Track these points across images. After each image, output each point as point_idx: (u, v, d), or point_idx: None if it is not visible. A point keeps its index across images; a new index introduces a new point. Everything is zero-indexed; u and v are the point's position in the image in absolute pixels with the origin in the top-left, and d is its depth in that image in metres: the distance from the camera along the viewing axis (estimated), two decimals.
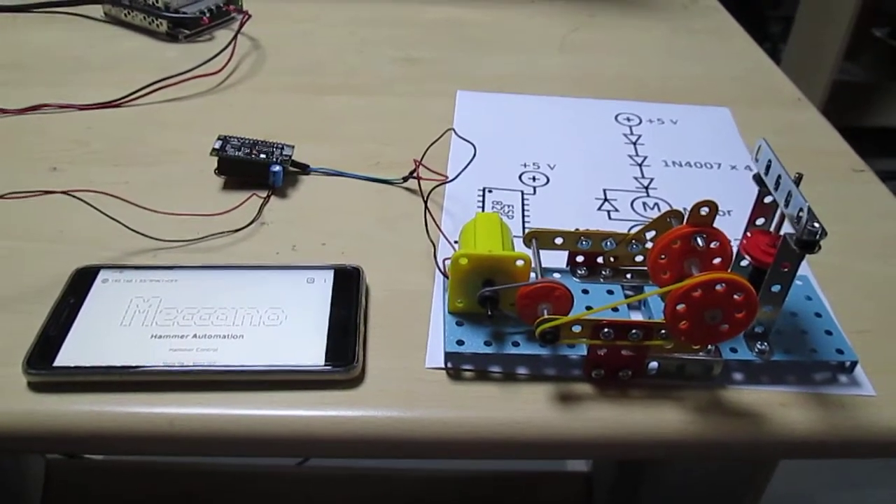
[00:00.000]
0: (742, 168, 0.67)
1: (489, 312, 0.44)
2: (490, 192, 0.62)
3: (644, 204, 0.62)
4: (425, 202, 0.52)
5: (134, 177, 0.61)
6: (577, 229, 0.50)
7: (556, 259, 0.51)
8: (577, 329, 0.43)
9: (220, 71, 0.75)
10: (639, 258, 0.51)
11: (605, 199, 0.62)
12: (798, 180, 0.42)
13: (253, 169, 0.60)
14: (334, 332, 0.46)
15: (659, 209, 0.61)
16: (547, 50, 0.88)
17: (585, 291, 0.50)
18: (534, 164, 0.66)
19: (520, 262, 0.45)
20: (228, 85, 0.76)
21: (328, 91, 0.76)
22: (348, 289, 0.50)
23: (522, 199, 0.61)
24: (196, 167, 0.62)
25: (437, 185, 0.57)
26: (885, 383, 0.46)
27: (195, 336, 0.45)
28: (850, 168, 0.68)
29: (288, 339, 0.46)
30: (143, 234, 0.53)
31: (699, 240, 0.44)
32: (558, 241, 0.50)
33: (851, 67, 2.29)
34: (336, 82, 0.78)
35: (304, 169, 0.63)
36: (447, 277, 0.48)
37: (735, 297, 0.41)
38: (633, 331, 0.43)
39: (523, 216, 0.59)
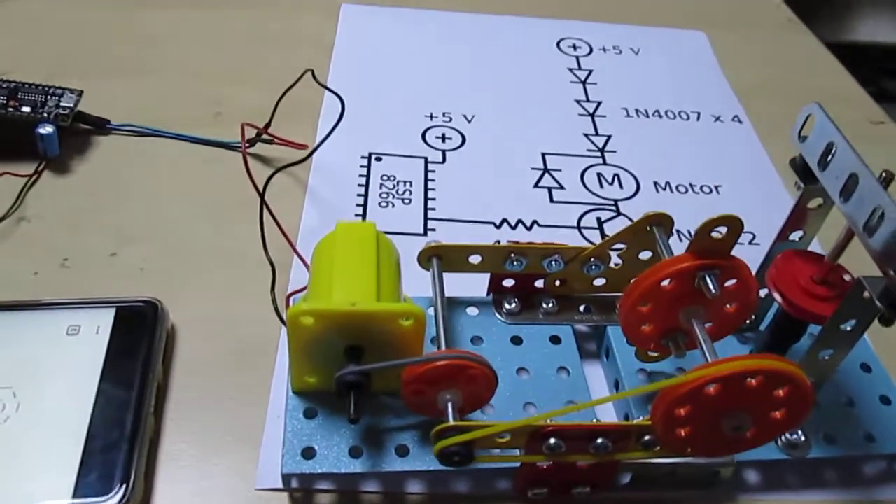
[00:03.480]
0: (728, 119, 0.49)
1: (353, 410, 0.25)
2: (379, 160, 0.42)
3: (600, 176, 0.43)
4: (262, 191, 0.32)
5: None
6: (501, 242, 0.31)
7: (471, 283, 0.32)
8: (503, 439, 0.25)
9: None
10: (599, 281, 0.33)
11: (545, 170, 0.43)
12: (888, 180, 0.24)
13: (10, 131, 0.39)
14: (100, 432, 0.27)
15: (620, 184, 0.43)
16: None
17: (517, 340, 0.32)
18: (444, 114, 0.46)
19: (405, 322, 0.26)
20: None
21: (150, 2, 0.54)
22: (136, 343, 0.30)
23: (426, 172, 0.42)
24: None
25: (286, 166, 0.36)
26: None
27: None
28: (865, 119, 0.51)
29: (11, 456, 0.26)
30: None
31: (709, 281, 0.26)
32: (474, 259, 0.31)
33: None
34: None
35: (100, 126, 0.42)
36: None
37: (777, 392, 0.24)
38: (599, 440, 0.25)
39: (426, 200, 0.40)
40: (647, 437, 0.26)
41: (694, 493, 0.29)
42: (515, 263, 0.31)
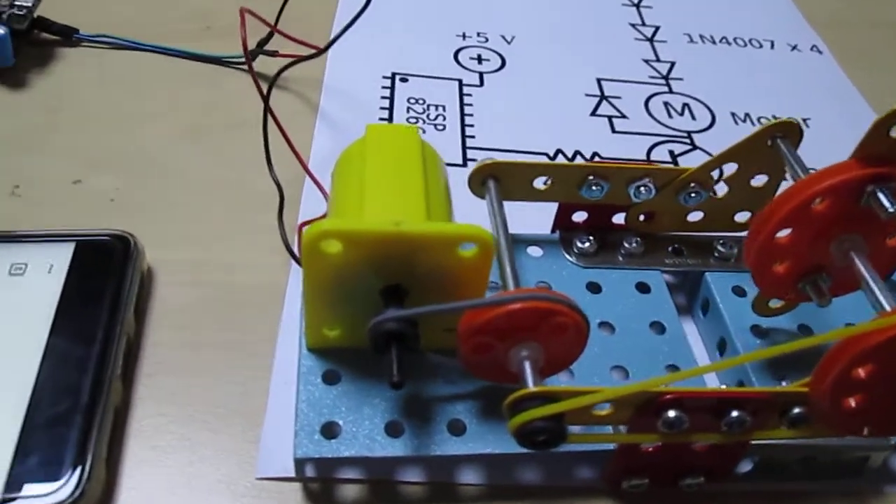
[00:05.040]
0: (807, 49, 0.42)
1: (395, 370, 0.18)
2: (405, 80, 0.35)
3: (667, 105, 0.36)
4: (266, 95, 0.24)
5: None
6: (576, 159, 0.24)
7: (530, 217, 0.25)
8: (601, 411, 0.18)
9: None
10: (694, 216, 0.26)
11: (602, 97, 0.36)
12: None
13: None
14: (46, 400, 0.20)
15: (692, 114, 0.36)
16: None
17: (594, 287, 0.25)
18: (478, 34, 0.39)
19: (467, 248, 0.19)
20: None
21: None
22: (100, 286, 0.23)
23: (461, 95, 0.35)
24: None
25: (295, 62, 0.29)
26: None
27: None
28: None
29: None
30: None
31: (882, 196, 0.19)
32: (540, 182, 0.24)
33: None
34: None
35: (66, 36, 0.34)
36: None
37: None
38: (735, 413, 0.18)
39: (462, 127, 0.33)
40: (796, 410, 0.19)
41: (830, 484, 0.22)
42: (594, 189, 0.24)
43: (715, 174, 0.25)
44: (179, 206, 0.28)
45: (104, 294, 0.23)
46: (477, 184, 0.24)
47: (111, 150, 0.30)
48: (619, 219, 0.26)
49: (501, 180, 0.24)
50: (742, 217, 0.26)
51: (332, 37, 0.30)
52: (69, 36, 0.34)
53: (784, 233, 0.20)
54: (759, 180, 0.25)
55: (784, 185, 0.22)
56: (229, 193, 0.28)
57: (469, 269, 0.19)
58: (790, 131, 0.23)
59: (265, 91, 0.24)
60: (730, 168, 0.24)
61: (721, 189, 0.25)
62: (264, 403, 0.22)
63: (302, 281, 0.19)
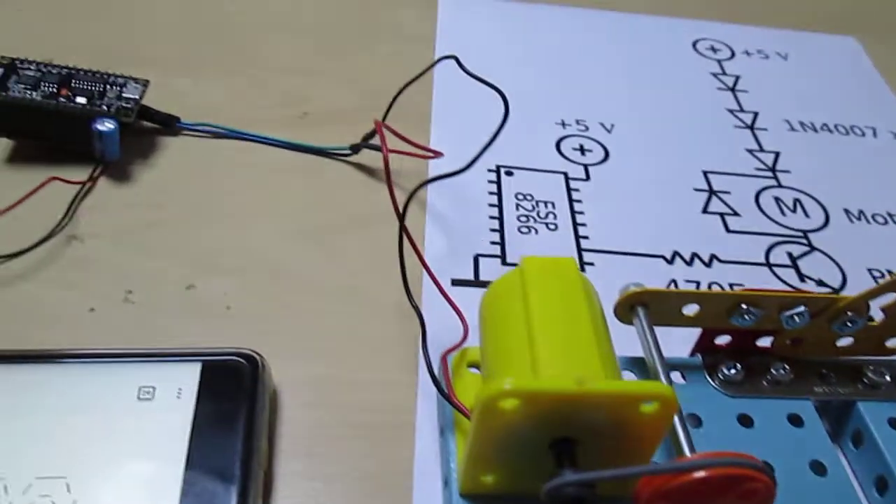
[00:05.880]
0: None
1: None
2: (510, 174, 0.34)
3: (778, 201, 0.35)
4: (402, 214, 0.23)
5: None
6: (678, 280, 0.24)
7: (670, 340, 0.24)
8: None
9: None
10: (843, 340, 0.24)
11: (711, 191, 0.35)
12: None
13: (61, 126, 0.31)
14: None
15: (805, 211, 0.35)
16: None
17: (745, 420, 0.23)
18: (577, 122, 0.38)
19: (648, 407, 0.18)
20: None
21: None
22: (232, 414, 0.22)
23: (568, 191, 0.34)
24: None
25: (446, 175, 0.28)
26: None
27: None
28: None
29: None
30: None
31: None
32: (690, 310, 0.23)
33: None
34: None
35: (167, 125, 0.34)
36: (462, 413, 0.21)
37: None
38: None
39: (574, 226, 0.32)
40: None
41: None
42: (746, 317, 0.23)
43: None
44: (297, 316, 0.27)
45: (237, 421, 0.22)
46: (624, 310, 0.23)
47: (222, 251, 0.29)
48: (765, 342, 0.25)
49: (650, 306, 0.23)
50: (893, 342, 0.25)
51: (432, 124, 0.29)
52: (170, 124, 0.34)
53: None
54: None
55: None
56: (348, 301, 0.27)
57: (647, 425, 0.18)
58: None
59: (401, 208, 0.23)
60: (888, 296, 0.23)
61: (876, 313, 0.24)
62: None
63: (471, 434, 0.18)
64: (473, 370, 0.23)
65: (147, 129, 0.34)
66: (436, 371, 0.22)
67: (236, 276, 0.28)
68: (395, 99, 0.32)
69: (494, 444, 0.18)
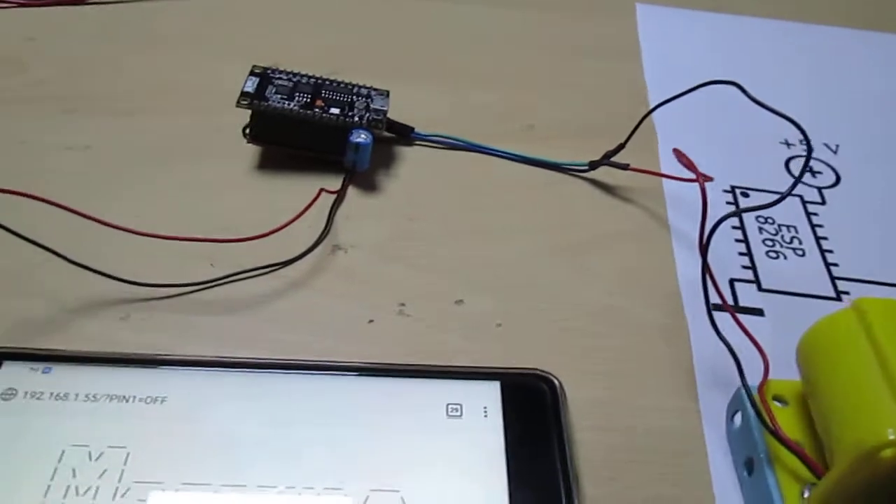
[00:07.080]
0: None
1: None
2: (746, 195, 0.34)
3: None
4: (705, 242, 0.23)
5: (96, 139, 0.34)
6: None
7: None
8: None
9: None
10: None
11: None
12: None
13: (318, 136, 0.32)
14: None
15: None
16: None
17: None
18: (800, 142, 0.38)
19: None
20: None
21: None
22: (539, 435, 0.22)
23: (808, 215, 0.33)
24: (208, 125, 0.34)
25: (760, 207, 0.28)
26: None
27: None
28: None
29: None
30: (95, 271, 0.26)
31: None
32: None
33: None
34: None
35: (404, 134, 0.35)
36: (793, 450, 0.21)
37: None
38: None
39: (821, 252, 0.31)
40: None
41: None
42: None
43: None
44: (565, 335, 0.27)
45: (550, 444, 0.22)
46: None
47: (486, 267, 0.29)
48: None
49: None
50: None
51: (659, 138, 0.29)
52: (406, 135, 0.35)
53: None
54: None
55: None
56: (612, 322, 0.28)
57: None
58: None
59: (704, 237, 0.23)
60: None
61: None
62: None
63: (833, 482, 0.18)
64: (778, 403, 0.23)
65: (384, 138, 0.35)
66: (748, 404, 0.22)
67: (501, 292, 0.28)
68: (644, 117, 0.32)
69: (863, 495, 0.18)
